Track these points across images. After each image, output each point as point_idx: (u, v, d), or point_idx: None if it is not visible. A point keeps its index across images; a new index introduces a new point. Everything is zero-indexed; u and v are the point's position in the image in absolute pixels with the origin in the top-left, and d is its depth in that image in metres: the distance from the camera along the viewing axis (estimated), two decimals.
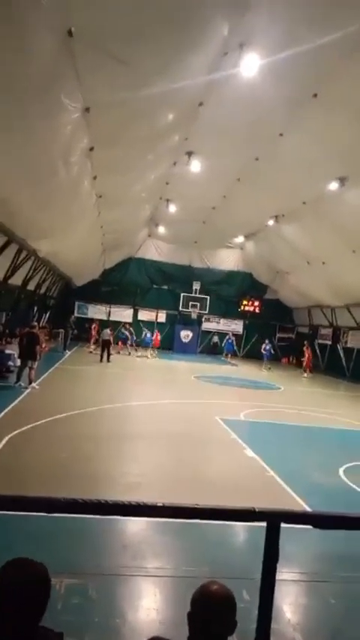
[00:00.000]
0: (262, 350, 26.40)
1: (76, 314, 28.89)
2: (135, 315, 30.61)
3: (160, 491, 6.34)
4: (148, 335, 27.24)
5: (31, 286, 18.77)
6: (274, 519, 1.72)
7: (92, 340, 25.45)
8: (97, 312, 29.92)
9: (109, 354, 20.98)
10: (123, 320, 29.28)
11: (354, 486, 7.35)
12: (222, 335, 30.41)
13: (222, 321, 31.55)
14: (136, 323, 29.53)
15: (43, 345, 14.79)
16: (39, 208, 11.76)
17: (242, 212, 21.21)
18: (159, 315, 30.85)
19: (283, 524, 1.70)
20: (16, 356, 13.88)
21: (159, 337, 27.62)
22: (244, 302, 31.05)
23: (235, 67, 9.66)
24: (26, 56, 6.25)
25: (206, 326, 31.47)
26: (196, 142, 14.25)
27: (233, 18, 8.20)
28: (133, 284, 30.22)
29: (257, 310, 31.15)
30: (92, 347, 24.68)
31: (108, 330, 21.77)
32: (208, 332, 31.63)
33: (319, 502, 6.40)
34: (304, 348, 25.16)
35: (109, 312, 30.08)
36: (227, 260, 30.90)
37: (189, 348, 30.47)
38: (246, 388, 18.00)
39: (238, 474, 7.62)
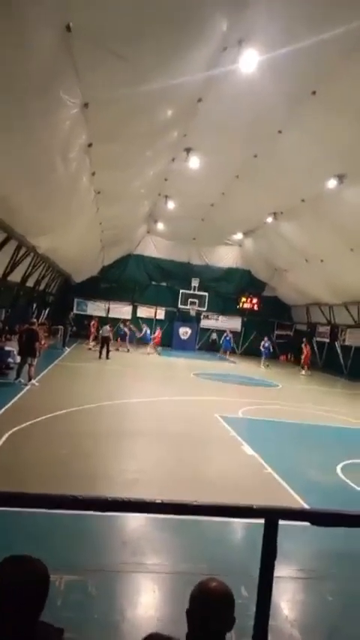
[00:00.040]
0: (261, 347, 26.41)
1: (75, 311, 28.88)
2: (134, 311, 30.61)
3: (159, 488, 6.36)
4: (148, 332, 27.25)
5: (30, 283, 18.75)
6: (272, 516, 1.73)
7: (91, 337, 25.45)
8: (96, 308, 29.90)
9: (108, 351, 20.99)
10: (122, 317, 29.28)
11: (351, 484, 7.38)
12: (220, 332, 30.42)
13: (220, 318, 31.54)
14: (135, 320, 29.53)
15: (43, 342, 14.77)
16: (38, 205, 11.74)
17: (241, 209, 21.19)
18: (158, 311, 30.85)
19: (281, 522, 1.71)
20: (15, 353, 13.89)
21: (160, 334, 27.57)
22: (243, 299, 31.06)
23: (234, 62, 9.63)
24: (25, 52, 6.23)
25: (205, 323, 31.48)
26: (195, 139, 14.21)
27: (232, 14, 8.18)
28: (131, 281, 30.19)
29: (255, 307, 31.16)
30: (91, 344, 24.67)
31: (107, 327, 21.77)
32: (207, 329, 31.65)
33: (316, 499, 6.42)
34: (303, 346, 25.18)
35: (108, 308, 30.06)
36: (226, 257, 30.89)
37: (187, 345, 30.48)
38: (244, 385, 18.02)
39: (237, 471, 7.64)
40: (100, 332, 22.02)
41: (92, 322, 26.18)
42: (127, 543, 4.87)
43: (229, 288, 31.04)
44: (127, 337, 26.04)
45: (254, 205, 19.93)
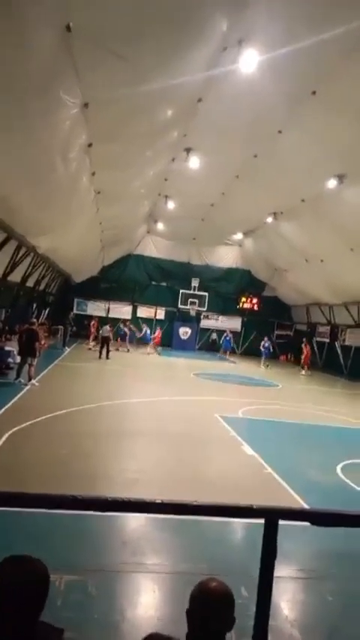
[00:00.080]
0: (261, 347, 26.41)
1: (75, 311, 28.88)
2: (134, 311, 30.61)
3: (159, 488, 6.36)
4: (148, 332, 27.26)
5: (30, 283, 18.75)
6: (272, 516, 1.73)
7: (91, 337, 25.45)
8: (96, 308, 29.90)
9: (108, 351, 20.99)
10: (122, 317, 29.28)
11: (351, 484, 7.38)
12: (220, 332, 30.41)
13: (220, 318, 31.54)
14: (135, 320, 29.53)
15: (43, 342, 14.77)
16: (38, 205, 11.74)
17: (241, 209, 21.18)
18: (158, 312, 30.84)
19: (281, 522, 1.71)
20: (15, 353, 13.89)
21: (160, 335, 27.56)
22: (243, 299, 31.05)
23: (234, 62, 9.63)
24: (25, 52, 6.23)
25: (205, 323, 31.48)
26: (195, 139, 14.21)
27: (232, 14, 8.18)
28: (131, 281, 30.18)
29: (255, 307, 31.16)
30: (91, 344, 24.67)
31: (107, 327, 21.78)
32: (207, 329, 31.64)
33: (316, 500, 6.42)
34: (303, 346, 25.18)
35: (108, 308, 30.06)
36: (226, 257, 30.88)
37: (187, 345, 30.48)
38: (244, 385, 18.03)
39: (237, 471, 7.64)
40: (100, 332, 22.02)
41: (92, 322, 26.17)
42: (127, 543, 4.87)
43: (229, 288, 31.02)
44: (127, 337, 26.05)
45: (254, 205, 19.93)
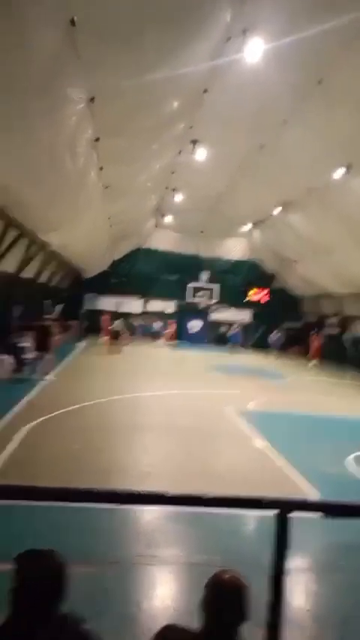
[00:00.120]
0: (270, 339, 26.29)
1: (86, 306, 29.00)
2: (144, 305, 30.62)
3: (171, 481, 6.40)
4: (159, 325, 27.26)
5: (42, 279, 18.87)
6: (284, 508, 1.74)
7: (103, 332, 25.56)
8: (107, 303, 29.97)
9: (119, 345, 21.08)
10: (133, 311, 29.33)
11: None
12: (230, 325, 30.32)
13: (230, 310, 31.44)
14: (146, 313, 29.56)
15: (56, 338, 14.89)
16: (48, 201, 11.79)
17: (248, 200, 21.02)
18: (168, 305, 30.81)
19: (293, 514, 1.72)
20: (30, 348, 14.05)
21: (172, 328, 27.50)
22: (252, 291, 30.90)
23: (238, 52, 9.53)
24: (29, 51, 6.23)
25: (214, 316, 31.39)
26: (201, 130, 14.11)
27: (236, 4, 8.08)
28: (141, 275, 30.15)
29: (265, 299, 31.00)
30: (103, 338, 24.80)
31: (118, 321, 21.86)
32: (216, 322, 31.56)
33: (329, 492, 6.40)
34: (312, 337, 25.03)
35: (120, 303, 30.11)
36: (234, 249, 30.73)
37: (197, 338, 30.46)
38: (254, 377, 18.01)
39: (248, 463, 7.66)
40: (112, 326, 22.12)
41: (104, 317, 26.27)
42: (142, 535, 4.92)
43: (237, 280, 30.89)
44: (139, 331, 26.11)
45: (261, 196, 19.77)
